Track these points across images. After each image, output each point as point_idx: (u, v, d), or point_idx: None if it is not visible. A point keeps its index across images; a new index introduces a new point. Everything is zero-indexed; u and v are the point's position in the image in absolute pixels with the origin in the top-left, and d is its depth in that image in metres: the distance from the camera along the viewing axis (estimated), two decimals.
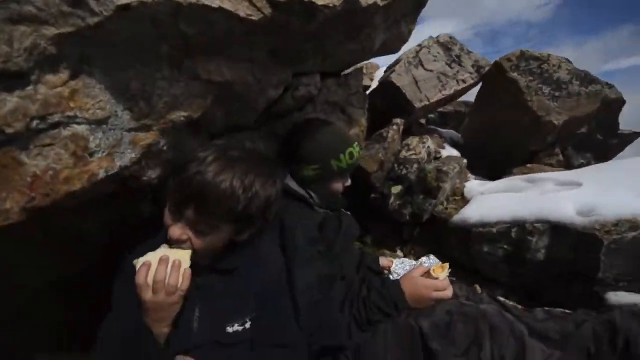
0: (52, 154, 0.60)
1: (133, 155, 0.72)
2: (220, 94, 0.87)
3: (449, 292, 1.05)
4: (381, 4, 0.97)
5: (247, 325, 0.87)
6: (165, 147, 0.82)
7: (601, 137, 2.56)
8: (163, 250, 0.76)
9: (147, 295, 0.71)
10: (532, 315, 1.10)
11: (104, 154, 0.67)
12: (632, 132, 2.57)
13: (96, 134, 0.65)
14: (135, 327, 0.76)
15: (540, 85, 2.16)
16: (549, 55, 2.27)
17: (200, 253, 0.81)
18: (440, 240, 2.02)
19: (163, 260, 0.72)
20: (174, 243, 0.77)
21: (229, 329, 0.85)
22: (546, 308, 1.14)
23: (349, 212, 1.38)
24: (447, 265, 1.08)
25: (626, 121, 2.78)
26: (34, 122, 0.56)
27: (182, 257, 0.76)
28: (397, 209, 2.03)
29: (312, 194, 1.22)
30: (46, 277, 0.89)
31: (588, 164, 2.44)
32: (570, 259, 1.46)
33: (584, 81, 2.19)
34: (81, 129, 0.62)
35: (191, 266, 0.82)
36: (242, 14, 0.69)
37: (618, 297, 1.35)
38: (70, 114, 0.60)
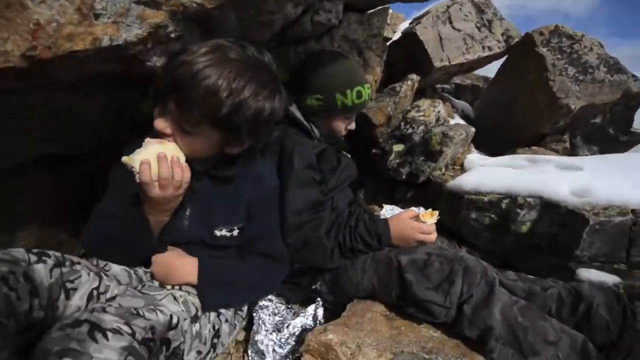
0: (56, 4, 0.57)
1: (140, 31, 0.70)
2: None
3: (433, 237, 1.08)
4: None
5: (235, 232, 0.91)
6: (173, 35, 0.79)
7: (613, 132, 2.52)
8: (155, 147, 0.73)
9: (155, 191, 0.72)
10: (504, 275, 1.16)
11: (110, 20, 0.64)
12: None
13: None
14: (129, 212, 0.78)
15: (566, 66, 2.07)
16: (582, 35, 2.15)
17: (190, 156, 0.78)
18: (431, 204, 2.05)
19: (162, 158, 0.72)
20: (159, 136, 0.76)
21: (217, 232, 0.89)
22: (517, 273, 1.19)
23: (349, 155, 1.38)
24: (436, 212, 1.10)
25: None
26: None
27: (175, 151, 0.75)
28: (396, 167, 2.04)
29: (313, 126, 1.20)
30: (39, 151, 0.90)
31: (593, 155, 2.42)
32: (553, 233, 1.50)
33: (611, 69, 2.10)
34: None
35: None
36: None
37: (590, 274, 1.41)
38: None
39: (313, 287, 1.08)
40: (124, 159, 0.71)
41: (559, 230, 1.49)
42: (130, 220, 0.78)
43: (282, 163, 1.05)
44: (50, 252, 0.65)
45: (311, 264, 1.04)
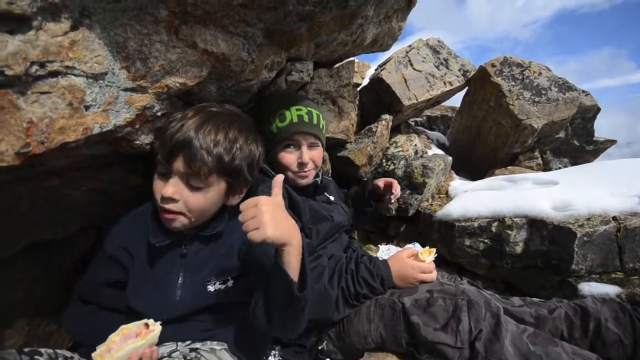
0: (49, 102, 0.61)
1: (128, 115, 0.74)
2: (216, 66, 0.90)
3: (433, 275, 1.08)
4: None
5: (230, 283, 0.87)
6: (159, 114, 0.83)
7: (577, 144, 2.69)
8: (130, 347, 0.66)
9: None
10: (510, 302, 1.16)
11: (100, 109, 0.68)
12: (606, 139, 2.71)
13: (93, 88, 0.66)
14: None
15: (521, 90, 2.27)
16: (530, 62, 2.38)
17: (201, 215, 0.83)
18: (424, 235, 2.07)
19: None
20: (166, 202, 0.77)
21: (210, 288, 0.85)
22: (522, 297, 1.19)
23: (333, 199, 1.37)
24: (434, 250, 1.12)
25: (603, 135, 2.94)
26: (34, 68, 0.57)
27: (152, 340, 0.70)
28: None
29: (269, 169, 1.13)
30: (27, 239, 0.88)
31: (565, 167, 2.55)
32: (546, 250, 1.52)
33: (562, 88, 2.31)
34: (79, 81, 0.64)
35: (178, 234, 0.84)
36: None
37: (591, 287, 1.42)
38: (69, 64, 0.61)
39: (319, 347, 1.03)
40: (95, 353, 0.65)
41: (550, 247, 1.52)
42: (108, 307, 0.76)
43: None
44: (43, 350, 0.62)
45: (317, 317, 1.00)
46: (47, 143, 0.61)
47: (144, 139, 0.83)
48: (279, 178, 0.74)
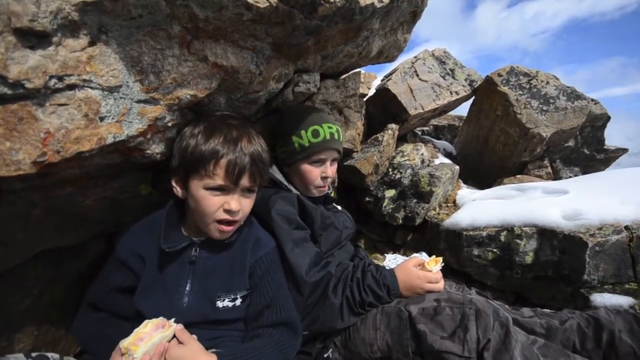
0: (65, 113, 0.64)
1: (140, 126, 0.76)
2: (225, 78, 0.92)
3: (440, 285, 1.07)
4: (378, 5, 1.05)
5: (238, 302, 0.89)
6: (170, 124, 0.86)
7: (588, 152, 2.65)
8: (157, 337, 0.71)
9: None
10: (520, 312, 1.14)
11: (114, 120, 0.71)
12: (617, 148, 2.67)
13: (108, 100, 0.69)
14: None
15: (529, 99, 2.26)
16: (537, 71, 2.38)
17: (242, 221, 0.90)
18: (431, 244, 2.05)
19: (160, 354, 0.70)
20: (233, 215, 0.85)
21: (219, 304, 0.87)
22: (532, 308, 1.17)
23: (339, 209, 1.39)
24: (440, 259, 1.11)
25: (614, 143, 2.90)
26: (52, 81, 0.60)
27: (171, 333, 0.74)
28: (391, 212, 2.07)
29: (283, 180, 1.17)
30: (39, 247, 0.91)
31: (576, 177, 2.52)
32: (556, 260, 1.50)
33: (570, 97, 2.30)
34: (94, 93, 0.66)
35: (190, 241, 0.86)
36: (250, 0, 0.76)
37: (604, 298, 1.39)
38: (86, 77, 0.64)
39: (325, 355, 1.02)
40: (124, 343, 0.68)
41: (561, 257, 1.49)
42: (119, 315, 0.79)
43: (267, 225, 1.03)
44: (49, 355, 0.63)
45: (321, 326, 1.00)
46: (62, 152, 0.64)
47: (155, 148, 0.86)
48: (179, 327, 0.76)
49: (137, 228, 0.92)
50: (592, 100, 2.43)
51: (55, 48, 0.60)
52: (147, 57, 0.74)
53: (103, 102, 0.68)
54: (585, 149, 2.64)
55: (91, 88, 0.66)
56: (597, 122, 2.60)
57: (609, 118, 2.55)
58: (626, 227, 1.44)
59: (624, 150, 2.68)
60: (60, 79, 0.61)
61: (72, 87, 0.63)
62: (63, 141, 0.64)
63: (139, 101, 0.75)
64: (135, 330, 0.70)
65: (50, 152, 0.63)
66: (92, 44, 0.64)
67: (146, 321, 0.72)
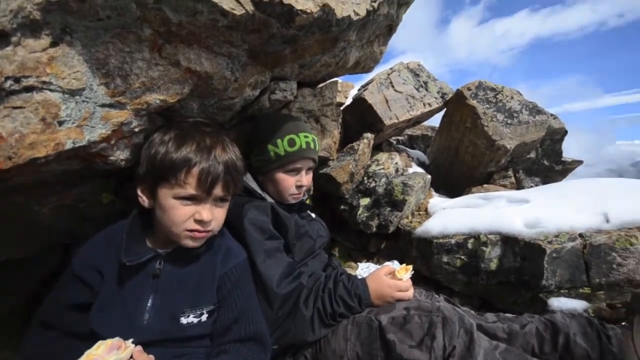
0: (21, 117, 0.59)
1: (103, 131, 0.73)
2: (198, 84, 0.90)
3: (410, 293, 1.09)
4: (355, 18, 1.07)
5: (204, 317, 0.85)
6: (137, 130, 0.83)
7: (547, 163, 2.84)
8: (112, 356, 0.65)
9: None
10: (484, 317, 1.18)
11: (74, 124, 0.67)
12: (573, 160, 2.88)
13: (68, 104, 0.65)
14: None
15: (495, 113, 2.39)
16: (502, 87, 2.53)
17: (216, 229, 0.88)
18: (404, 252, 2.10)
19: None
20: (205, 225, 0.82)
21: (183, 320, 0.82)
22: (496, 313, 1.23)
23: (314, 217, 1.39)
24: (410, 267, 1.13)
25: (571, 155, 3.13)
26: (8, 83, 0.56)
27: (127, 355, 0.67)
28: (365, 220, 2.10)
29: (257, 188, 1.16)
30: None
31: (536, 186, 2.68)
32: (518, 267, 1.58)
33: (532, 111, 2.46)
34: (54, 96, 0.63)
35: (153, 253, 0.82)
36: (225, 7, 0.75)
37: (560, 303, 1.48)
38: (45, 79, 0.60)
39: None
40: None
41: (522, 263, 1.57)
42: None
43: (239, 235, 1.01)
44: None
45: (292, 338, 0.98)
46: (15, 158, 0.59)
47: (120, 154, 0.82)
48: (137, 349, 0.71)
49: (95, 240, 0.86)
50: (552, 115, 2.61)
51: (13, 48, 0.56)
52: (114, 59, 0.71)
53: (63, 105, 0.64)
54: (545, 160, 2.83)
55: (50, 90, 0.62)
56: (556, 136, 2.80)
57: (566, 132, 2.76)
58: (580, 235, 1.54)
59: (580, 162, 2.89)
60: (17, 80, 0.57)
61: (29, 89, 0.59)
62: (16, 146, 0.59)
63: (103, 105, 0.71)
64: (87, 352, 0.64)
65: (2, 158, 0.58)
66: (54, 44, 0.61)
67: (99, 342, 0.66)
